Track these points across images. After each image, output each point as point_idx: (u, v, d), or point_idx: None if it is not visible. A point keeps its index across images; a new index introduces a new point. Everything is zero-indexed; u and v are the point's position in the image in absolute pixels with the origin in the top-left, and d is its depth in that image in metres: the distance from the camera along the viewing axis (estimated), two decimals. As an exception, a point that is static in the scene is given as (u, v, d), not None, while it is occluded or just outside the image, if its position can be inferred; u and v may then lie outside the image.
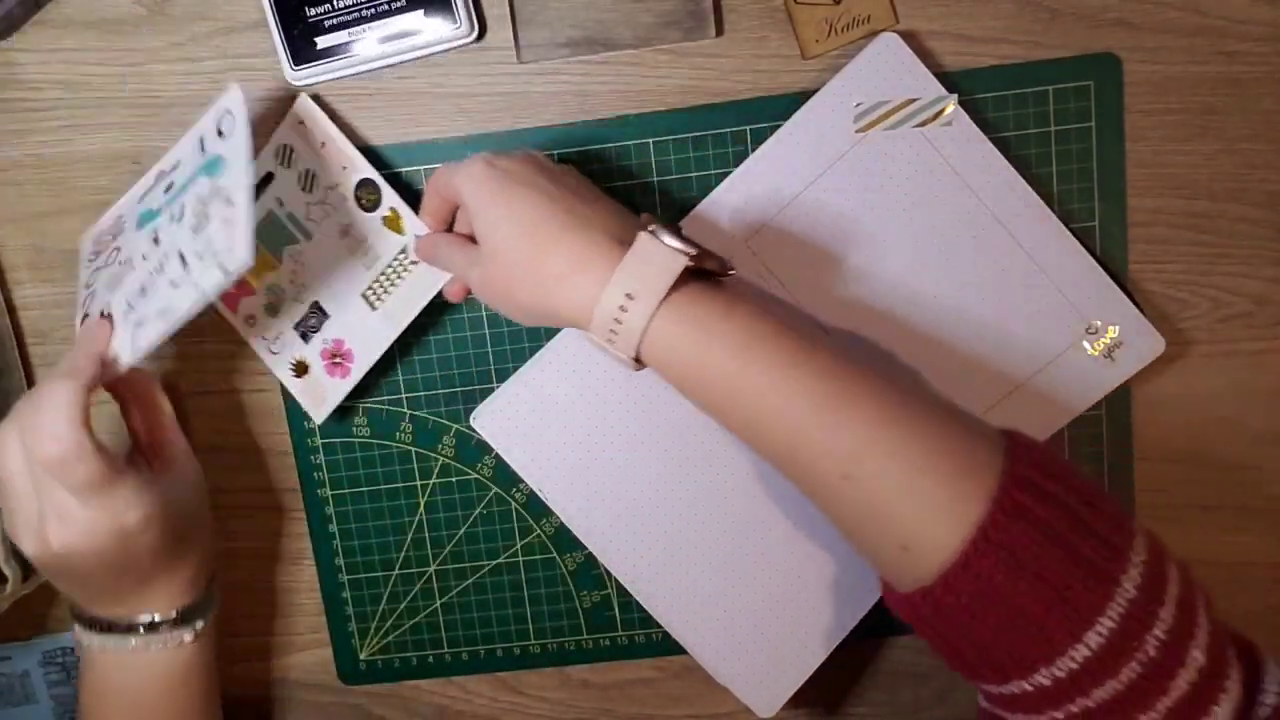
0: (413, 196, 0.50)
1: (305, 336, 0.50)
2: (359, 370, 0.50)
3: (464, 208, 0.43)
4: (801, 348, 0.38)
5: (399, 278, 0.49)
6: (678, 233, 0.39)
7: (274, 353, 0.51)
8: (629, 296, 0.38)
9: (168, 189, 0.46)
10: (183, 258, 0.42)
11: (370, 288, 0.49)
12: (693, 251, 0.38)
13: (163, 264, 0.44)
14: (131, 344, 0.44)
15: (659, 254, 0.38)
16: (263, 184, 0.50)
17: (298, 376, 0.51)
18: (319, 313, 0.50)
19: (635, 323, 0.38)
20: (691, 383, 0.39)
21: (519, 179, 0.41)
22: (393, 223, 0.49)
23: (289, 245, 0.50)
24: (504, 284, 0.42)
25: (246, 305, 0.51)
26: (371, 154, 0.50)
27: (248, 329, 0.51)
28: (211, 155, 0.43)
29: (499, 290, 0.42)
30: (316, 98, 0.49)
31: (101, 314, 0.45)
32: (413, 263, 0.49)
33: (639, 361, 0.40)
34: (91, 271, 0.48)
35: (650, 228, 0.39)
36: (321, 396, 0.51)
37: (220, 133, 0.43)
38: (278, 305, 0.50)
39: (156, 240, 0.45)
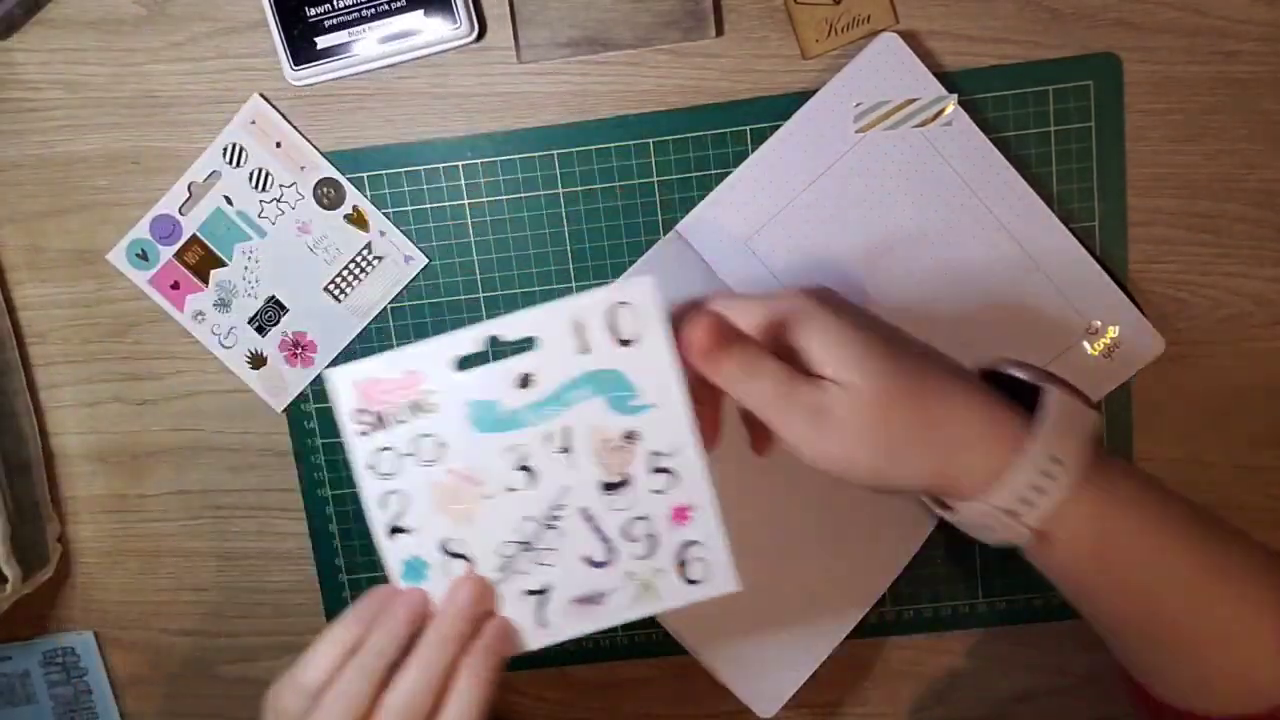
0: (413, 196, 0.50)
1: (261, 330, 0.51)
2: (323, 359, 0.51)
3: (805, 355, 0.35)
4: (1188, 516, 0.36)
5: (363, 273, 0.50)
6: (1052, 377, 0.36)
7: (226, 346, 0.52)
8: (1055, 461, 0.33)
9: (524, 382, 0.35)
10: (604, 537, 0.35)
11: (333, 281, 0.51)
12: (1094, 403, 0.35)
13: (562, 524, 0.35)
14: (537, 623, 0.36)
15: (1079, 415, 0.34)
16: (207, 181, 0.50)
17: (254, 368, 0.52)
18: (276, 307, 0.51)
19: (1055, 494, 0.33)
20: (1092, 558, 0.35)
21: (875, 327, 0.36)
22: (355, 220, 0.50)
23: (240, 242, 0.51)
24: (866, 447, 0.34)
25: (194, 301, 0.51)
26: (370, 154, 0.50)
27: (196, 324, 0.52)
28: (605, 368, 0.34)
29: (849, 451, 0.34)
30: (267, 98, 0.49)
31: (452, 552, 0.36)
32: (377, 258, 0.50)
33: (1033, 532, 0.35)
34: (381, 452, 0.36)
35: (1047, 385, 0.34)
36: (282, 386, 0.52)
37: (622, 338, 0.34)
38: (229, 301, 0.51)
39: (529, 471, 0.35)
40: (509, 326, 0.35)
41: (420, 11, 0.47)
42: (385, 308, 0.51)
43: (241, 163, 0.50)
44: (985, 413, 0.34)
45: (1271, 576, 0.36)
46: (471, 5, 0.48)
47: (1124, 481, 0.35)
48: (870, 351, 0.34)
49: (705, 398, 0.37)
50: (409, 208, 0.50)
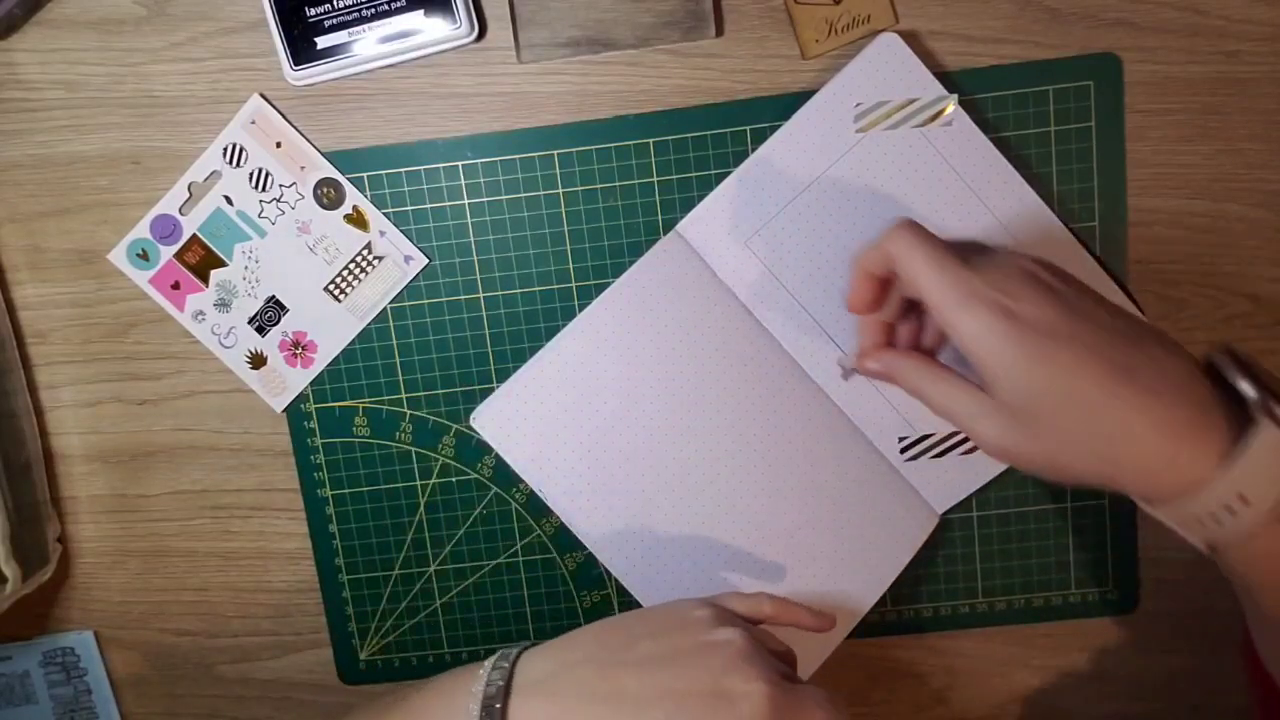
0: (413, 196, 0.50)
1: (261, 330, 0.51)
2: (323, 360, 0.51)
3: (980, 366, 0.37)
4: None
5: (363, 273, 0.50)
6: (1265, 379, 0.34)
7: (226, 346, 0.52)
8: (1242, 499, 0.33)
9: None
10: None
11: (333, 281, 0.51)
12: None
13: None
14: None
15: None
16: (207, 181, 0.50)
17: (254, 368, 0.52)
18: (276, 307, 0.51)
19: (1245, 523, 0.33)
20: (1269, 574, 0.34)
21: (1055, 334, 0.35)
22: (355, 220, 0.50)
23: (240, 242, 0.50)
24: (1051, 449, 0.36)
25: (195, 301, 0.51)
26: (370, 154, 0.50)
27: (196, 324, 0.52)
28: None
29: (1036, 452, 0.36)
30: (267, 98, 0.49)
31: None
32: (377, 258, 0.50)
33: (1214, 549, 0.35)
34: None
35: (1270, 404, 0.33)
36: (282, 386, 0.52)
37: None
38: (229, 301, 0.51)
39: None
40: None
41: (420, 11, 0.47)
42: (385, 308, 0.51)
43: (241, 163, 0.50)
44: (1176, 427, 0.33)
45: None
46: (471, 5, 0.48)
47: None
48: (1038, 385, 0.35)
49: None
50: (409, 208, 0.50)
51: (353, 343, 0.52)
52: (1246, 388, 0.34)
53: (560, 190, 0.50)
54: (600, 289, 0.50)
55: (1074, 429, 0.35)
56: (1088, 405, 0.34)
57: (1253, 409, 0.33)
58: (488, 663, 0.41)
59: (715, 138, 0.49)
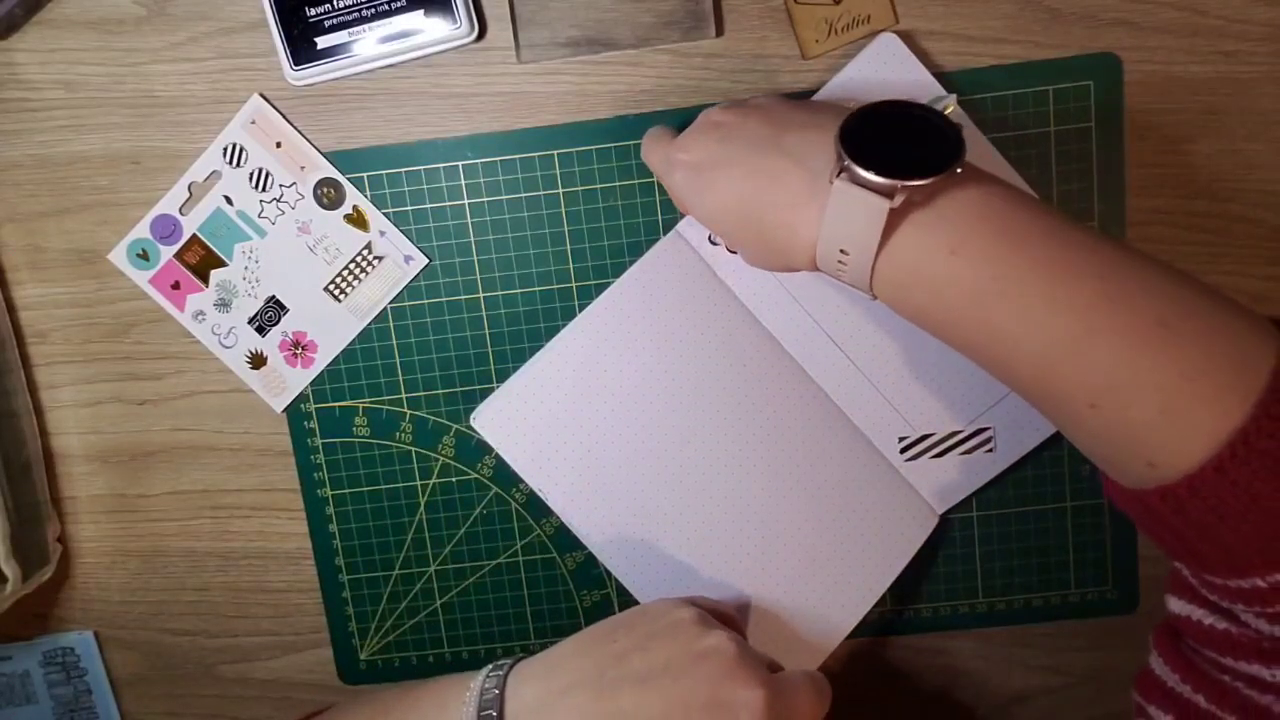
0: (413, 196, 0.50)
1: (261, 330, 0.51)
2: (323, 360, 0.52)
3: (687, 212, 0.44)
4: (1046, 278, 0.34)
5: (363, 273, 0.50)
6: (890, 143, 0.34)
7: (226, 346, 0.52)
8: (843, 252, 0.36)
9: None
10: None
11: (333, 281, 0.51)
12: (896, 186, 0.33)
13: None
14: None
15: (857, 205, 0.34)
16: (207, 181, 0.50)
17: (255, 368, 0.52)
18: (276, 307, 0.51)
19: (858, 274, 0.36)
20: (928, 325, 0.37)
21: (710, 164, 0.40)
22: (355, 220, 0.50)
23: (240, 242, 0.51)
24: (746, 255, 0.42)
25: (195, 301, 0.51)
26: (370, 154, 0.50)
27: (196, 324, 0.52)
28: None
29: (744, 258, 0.43)
30: (267, 98, 0.49)
31: None
32: (377, 258, 0.50)
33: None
34: None
35: (845, 163, 0.34)
36: (282, 386, 0.52)
37: None
38: (229, 301, 0.51)
39: None
40: None
41: (420, 11, 0.47)
42: (385, 308, 0.51)
43: (241, 163, 0.50)
44: (788, 217, 0.37)
45: (1212, 340, 0.33)
46: (471, 5, 0.48)
47: (939, 253, 0.35)
48: (704, 214, 0.41)
49: None
50: (409, 208, 0.50)
51: (353, 343, 0.52)
52: (837, 181, 0.35)
53: (560, 190, 0.50)
54: (600, 289, 0.50)
55: (739, 234, 0.40)
56: (736, 212, 0.39)
57: (830, 175, 0.35)
58: (474, 686, 0.40)
59: (715, 138, 0.49)
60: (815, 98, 0.47)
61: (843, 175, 0.34)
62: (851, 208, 0.35)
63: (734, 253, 0.49)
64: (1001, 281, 0.34)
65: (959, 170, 0.34)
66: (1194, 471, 0.32)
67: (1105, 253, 0.34)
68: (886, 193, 0.34)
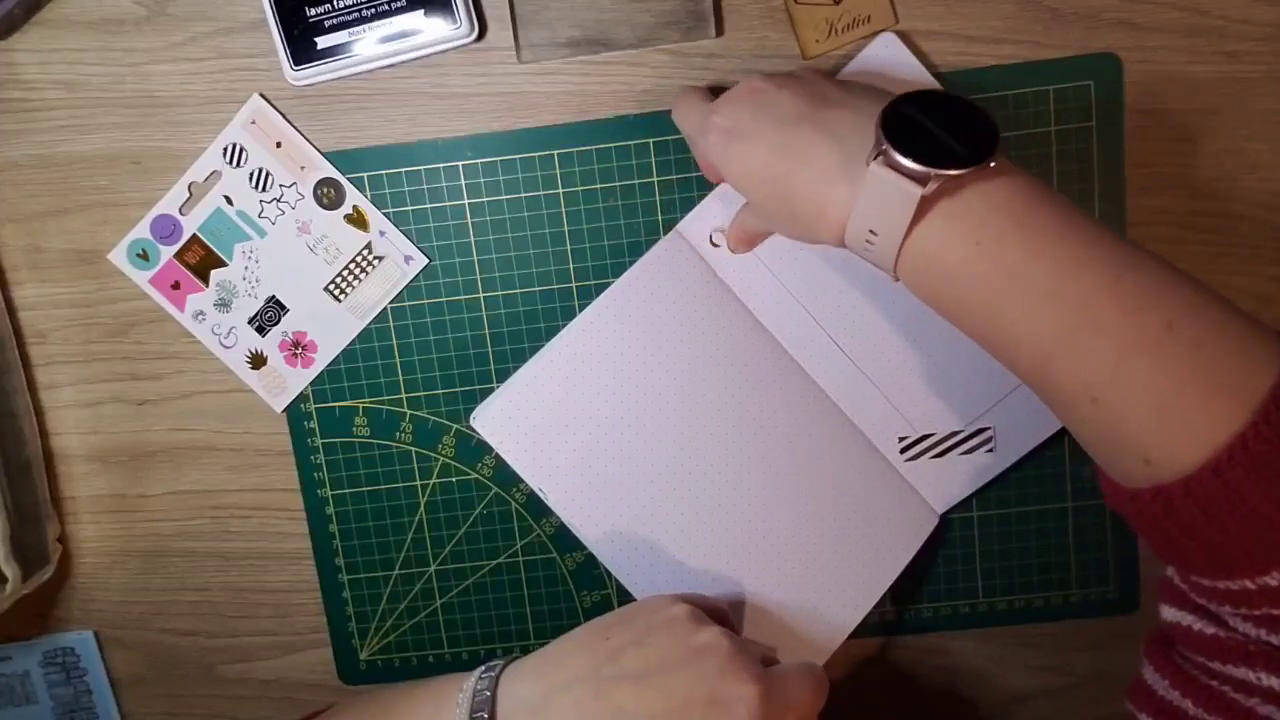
0: (413, 196, 0.50)
1: (262, 330, 0.51)
2: (323, 360, 0.52)
3: (718, 175, 0.44)
4: (1052, 271, 0.34)
5: (363, 273, 0.50)
6: (924, 133, 0.35)
7: (226, 346, 0.52)
8: (872, 233, 0.36)
9: None
10: None
11: (333, 281, 0.51)
12: (930, 174, 0.34)
13: None
14: None
15: (891, 189, 0.35)
16: (207, 181, 0.50)
17: (255, 368, 0.52)
18: (277, 307, 0.51)
19: (884, 255, 0.37)
20: (942, 309, 0.38)
21: (739, 133, 0.41)
22: (355, 220, 0.50)
23: (240, 242, 0.51)
24: (770, 223, 0.44)
25: (195, 301, 0.51)
26: (370, 154, 0.50)
27: (196, 324, 0.52)
28: None
29: (768, 226, 0.46)
30: (267, 98, 0.49)
31: None
32: (377, 258, 0.50)
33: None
34: None
35: (884, 147, 0.35)
36: (282, 386, 0.52)
37: None
38: (229, 301, 0.51)
39: None
40: None
41: (420, 11, 0.47)
42: (385, 308, 0.51)
43: (241, 163, 0.50)
44: (820, 195, 0.38)
45: (1214, 343, 0.33)
46: (471, 5, 0.48)
47: (961, 243, 0.35)
48: (736, 181, 0.41)
49: None
50: (409, 208, 0.50)
51: (353, 343, 0.52)
52: (873, 165, 0.36)
53: (560, 190, 0.50)
54: (600, 289, 0.50)
55: (767, 203, 0.40)
56: (767, 180, 0.39)
57: (866, 158, 0.36)
58: (466, 688, 0.40)
59: (715, 138, 0.49)
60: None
61: (879, 159, 0.35)
62: (885, 191, 0.35)
63: (734, 253, 0.49)
64: (1012, 271, 0.35)
65: (993, 164, 0.35)
66: (1190, 473, 0.33)
67: (1120, 252, 0.35)
68: (920, 180, 0.34)
